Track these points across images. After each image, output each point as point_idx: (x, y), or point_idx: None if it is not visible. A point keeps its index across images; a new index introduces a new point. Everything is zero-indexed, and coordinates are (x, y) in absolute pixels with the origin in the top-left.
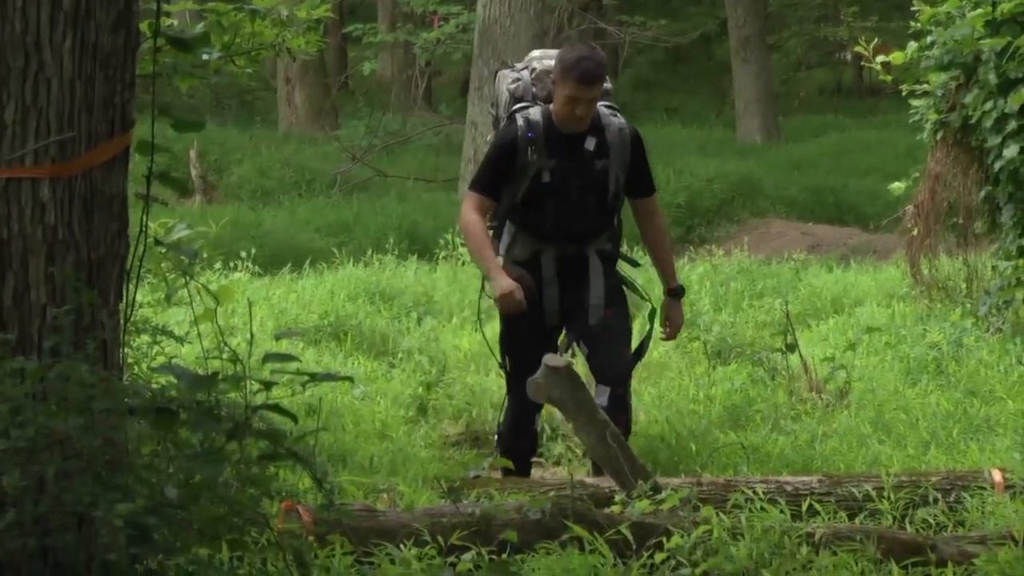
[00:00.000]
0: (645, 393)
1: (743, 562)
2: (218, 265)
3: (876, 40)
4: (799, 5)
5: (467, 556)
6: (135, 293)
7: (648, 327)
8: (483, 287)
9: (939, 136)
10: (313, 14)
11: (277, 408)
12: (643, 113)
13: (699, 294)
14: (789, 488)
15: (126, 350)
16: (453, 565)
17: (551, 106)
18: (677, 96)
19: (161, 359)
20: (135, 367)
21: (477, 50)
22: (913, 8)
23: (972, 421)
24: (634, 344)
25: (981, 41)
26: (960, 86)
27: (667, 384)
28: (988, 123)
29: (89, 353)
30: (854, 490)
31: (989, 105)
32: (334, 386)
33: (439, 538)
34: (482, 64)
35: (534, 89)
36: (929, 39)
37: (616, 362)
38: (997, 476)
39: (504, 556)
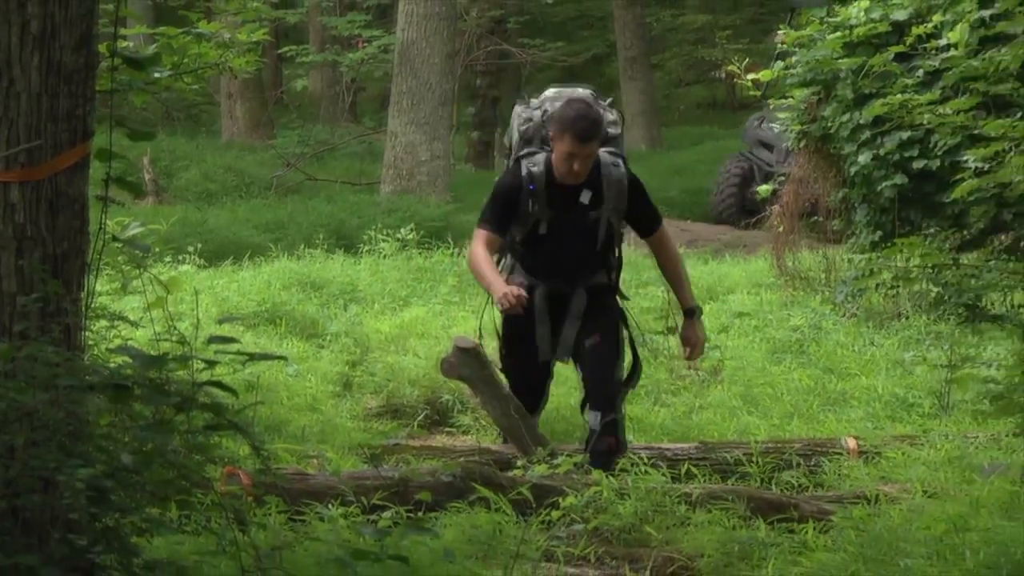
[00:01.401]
0: None
1: (629, 518)
2: (168, 258)
3: (747, 60)
4: (679, 29)
5: (387, 514)
6: (95, 283)
7: (633, 358)
8: (483, 310)
9: (801, 144)
10: (251, 37)
11: (220, 384)
12: None
13: None
14: (669, 454)
15: (87, 333)
16: (374, 522)
17: (552, 155)
18: None
19: (118, 341)
20: (94, 348)
21: (396, 68)
22: (779, 31)
23: (829, 395)
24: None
25: (838, 61)
26: (820, 100)
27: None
28: (844, 133)
29: (54, 336)
30: (726, 455)
31: (845, 117)
32: (270, 364)
33: (362, 499)
34: (401, 80)
35: (543, 131)
36: (793, 59)
37: (605, 387)
38: (851, 443)
39: (419, 514)
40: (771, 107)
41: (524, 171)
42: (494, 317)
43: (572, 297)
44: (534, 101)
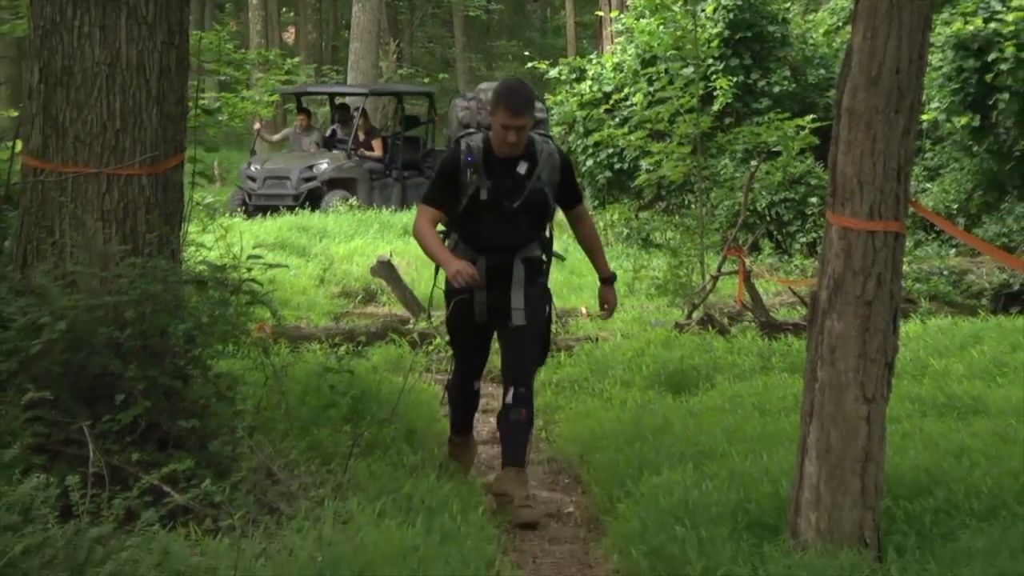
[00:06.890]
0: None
1: None
2: (226, 215)
3: None
4: None
5: (343, 349)
6: (187, 228)
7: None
8: (435, 280)
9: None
10: (269, 99)
11: (254, 280)
12: None
13: None
14: None
15: (183, 254)
16: (336, 353)
17: (491, 132)
18: None
19: (200, 257)
20: (188, 262)
21: None
22: (547, 97)
23: (572, 285)
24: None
25: (576, 112)
26: (567, 132)
27: None
28: (579, 150)
29: (166, 255)
30: None
31: (580, 141)
32: (280, 269)
33: (330, 340)
34: None
35: (479, 117)
36: (553, 110)
37: (521, 366)
38: (584, 311)
39: (360, 348)
40: (257, 155)
41: (463, 146)
42: (438, 284)
43: (512, 267)
44: (469, 94)
